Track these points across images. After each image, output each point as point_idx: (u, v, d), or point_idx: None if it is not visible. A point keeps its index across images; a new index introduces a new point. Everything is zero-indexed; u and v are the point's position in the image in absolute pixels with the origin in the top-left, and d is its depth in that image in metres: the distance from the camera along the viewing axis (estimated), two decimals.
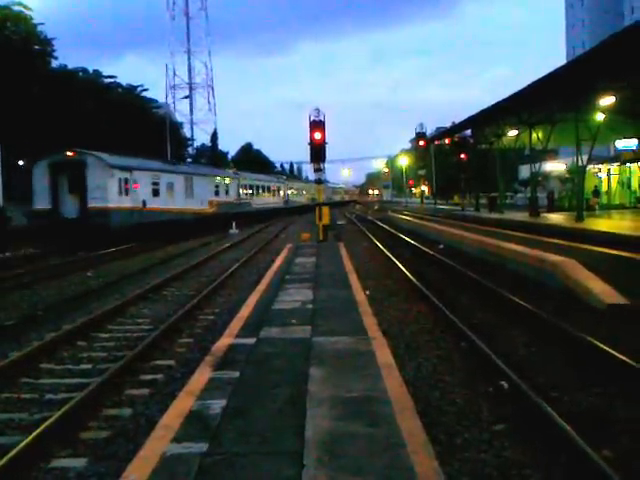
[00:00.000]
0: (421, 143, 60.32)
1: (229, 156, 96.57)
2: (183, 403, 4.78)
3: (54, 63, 49.75)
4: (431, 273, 15.68)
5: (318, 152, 20.90)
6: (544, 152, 33.71)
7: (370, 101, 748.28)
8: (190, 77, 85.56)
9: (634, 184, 37.70)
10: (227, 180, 41.51)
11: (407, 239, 25.49)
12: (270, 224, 43.20)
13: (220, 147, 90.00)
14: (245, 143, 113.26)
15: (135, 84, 61.59)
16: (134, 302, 12.25)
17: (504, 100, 24.68)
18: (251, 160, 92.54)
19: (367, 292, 11.22)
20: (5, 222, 28.12)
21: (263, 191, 52.64)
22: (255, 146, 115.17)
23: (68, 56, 52.73)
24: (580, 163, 24.40)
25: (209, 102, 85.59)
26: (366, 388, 4.97)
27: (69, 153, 25.02)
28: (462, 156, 48.06)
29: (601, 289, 11.02)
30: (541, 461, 4.92)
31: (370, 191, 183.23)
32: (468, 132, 41.89)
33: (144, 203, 27.53)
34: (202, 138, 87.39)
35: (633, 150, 34.53)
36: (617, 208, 34.33)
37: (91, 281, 15.77)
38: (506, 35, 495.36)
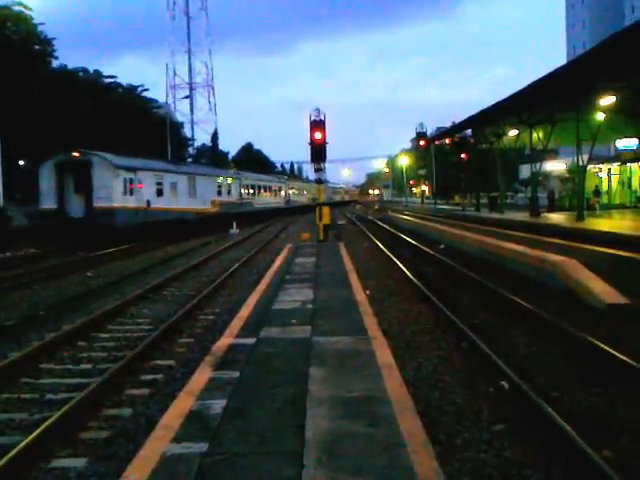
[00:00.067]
0: (421, 143, 60.17)
1: (229, 156, 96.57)
2: (183, 403, 4.77)
3: (54, 63, 49.80)
4: (432, 273, 15.68)
5: (318, 152, 20.91)
6: (544, 152, 33.69)
7: (370, 101, 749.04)
8: (190, 77, 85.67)
9: (634, 184, 37.71)
10: (229, 180, 41.66)
11: (407, 239, 25.49)
12: (270, 224, 43.21)
13: (220, 147, 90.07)
14: (245, 143, 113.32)
15: (135, 84, 61.60)
16: (134, 302, 12.24)
17: (504, 100, 24.69)
18: (251, 160, 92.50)
19: (367, 292, 11.21)
20: (5, 222, 28.19)
21: (265, 191, 52.74)
22: (255, 146, 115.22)
23: (68, 56, 53.00)
24: (580, 163, 24.42)
25: (209, 102, 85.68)
26: (366, 388, 4.97)
27: (75, 153, 25.28)
28: (462, 156, 48.14)
29: (602, 289, 11.02)
30: (541, 461, 4.91)
31: (370, 191, 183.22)
32: (468, 132, 41.93)
33: (148, 203, 27.82)
34: (202, 138, 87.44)
35: (633, 150, 34.54)
36: (617, 208, 34.34)
37: (91, 281, 15.76)
38: (506, 35, 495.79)
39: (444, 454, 4.81)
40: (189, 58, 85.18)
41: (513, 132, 31.85)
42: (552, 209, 32.36)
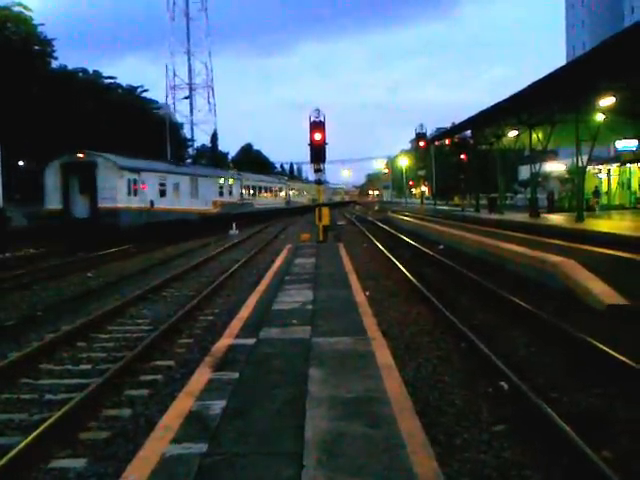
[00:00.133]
0: (421, 144, 60.16)
1: (229, 156, 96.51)
2: (183, 404, 4.78)
3: (54, 63, 49.73)
4: (431, 274, 15.69)
5: (318, 153, 20.92)
6: (544, 153, 33.67)
7: (370, 102, 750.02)
8: (190, 78, 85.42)
9: (634, 185, 37.70)
10: (230, 181, 41.85)
11: (407, 240, 25.49)
12: (270, 225, 43.24)
13: (220, 148, 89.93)
14: (245, 144, 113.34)
15: (135, 85, 61.58)
16: (134, 303, 12.25)
17: (504, 101, 24.66)
18: (251, 161, 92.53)
19: (367, 293, 11.21)
20: (5, 223, 28.23)
21: (265, 192, 52.83)
22: (255, 146, 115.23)
23: (68, 56, 53.16)
24: (580, 164, 24.38)
25: (209, 103, 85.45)
26: (366, 389, 4.97)
27: (80, 155, 25.54)
28: (462, 157, 48.10)
29: (601, 290, 11.03)
30: (541, 462, 4.91)
31: (370, 192, 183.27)
32: (468, 133, 41.88)
33: (152, 203, 28.08)
34: (202, 139, 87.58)
35: (633, 151, 34.51)
36: (617, 209, 34.31)
37: (91, 282, 15.76)
38: (506, 35, 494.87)
39: (444, 455, 4.81)
40: (189, 59, 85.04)
41: (513, 133, 31.81)
42: (552, 210, 32.33)
